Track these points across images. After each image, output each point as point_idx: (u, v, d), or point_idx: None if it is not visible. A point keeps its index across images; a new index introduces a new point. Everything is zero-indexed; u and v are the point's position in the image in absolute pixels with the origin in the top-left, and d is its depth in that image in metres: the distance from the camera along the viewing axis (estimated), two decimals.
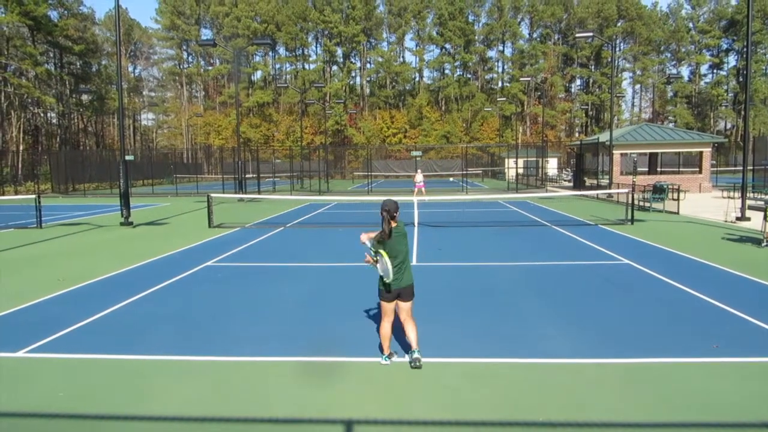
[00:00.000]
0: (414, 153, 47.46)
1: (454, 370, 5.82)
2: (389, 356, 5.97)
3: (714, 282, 9.72)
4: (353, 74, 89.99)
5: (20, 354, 6.44)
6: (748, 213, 18.76)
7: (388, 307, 5.87)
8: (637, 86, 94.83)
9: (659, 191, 23.40)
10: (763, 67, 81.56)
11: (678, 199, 21.81)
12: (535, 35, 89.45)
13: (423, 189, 31.77)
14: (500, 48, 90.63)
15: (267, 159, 63.42)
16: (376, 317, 7.70)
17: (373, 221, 19.77)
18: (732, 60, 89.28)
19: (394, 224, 5.73)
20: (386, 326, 5.91)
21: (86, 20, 71.09)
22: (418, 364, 5.75)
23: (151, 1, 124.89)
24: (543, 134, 58.78)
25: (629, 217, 18.58)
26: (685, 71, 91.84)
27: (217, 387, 5.49)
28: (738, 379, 5.53)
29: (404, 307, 5.87)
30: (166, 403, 5.13)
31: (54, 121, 69.94)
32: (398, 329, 6.35)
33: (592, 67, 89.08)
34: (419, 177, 32.61)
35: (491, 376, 5.65)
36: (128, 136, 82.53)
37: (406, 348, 6.16)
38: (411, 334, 5.87)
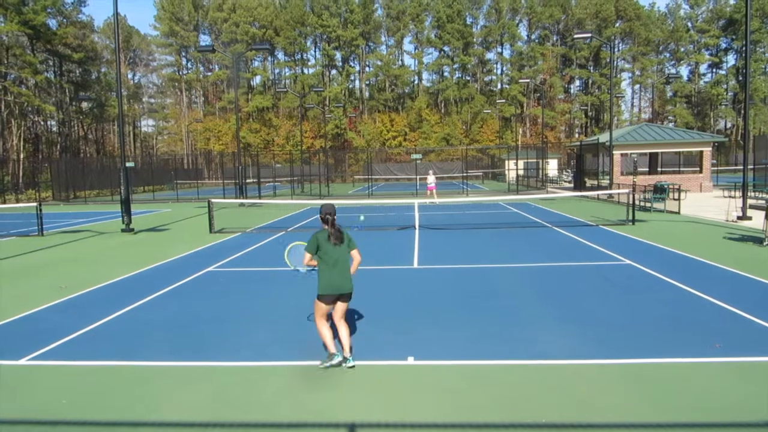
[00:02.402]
0: (414, 156, 47.45)
1: (455, 372, 5.82)
2: (333, 357, 5.93)
3: (716, 281, 9.71)
4: (352, 78, 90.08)
5: (23, 362, 6.45)
6: (749, 212, 18.74)
7: (326, 309, 5.97)
8: (637, 86, 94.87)
9: (660, 191, 23.39)
10: (763, 66, 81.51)
11: (679, 199, 21.80)
12: (533, 37, 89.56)
13: (434, 191, 31.82)
14: (499, 50, 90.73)
15: (267, 163, 63.44)
16: (376, 320, 7.71)
17: (373, 224, 19.80)
18: (731, 59, 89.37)
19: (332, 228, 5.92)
20: (325, 324, 6.00)
21: (85, 28, 71.21)
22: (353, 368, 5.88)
23: (150, 8, 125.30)
24: (543, 135, 58.78)
25: (630, 217, 18.57)
26: (684, 71, 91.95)
27: (218, 392, 5.48)
28: (740, 378, 5.52)
29: (341, 308, 5.99)
30: (169, 409, 5.13)
31: (54, 129, 70.06)
32: (406, 334, 6.33)
33: (591, 67, 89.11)
34: (431, 179, 32.68)
35: (493, 378, 5.64)
36: (128, 143, 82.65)
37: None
38: (345, 338, 5.96)
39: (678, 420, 4.66)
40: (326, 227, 5.92)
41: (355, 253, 6.02)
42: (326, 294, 5.86)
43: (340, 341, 6.01)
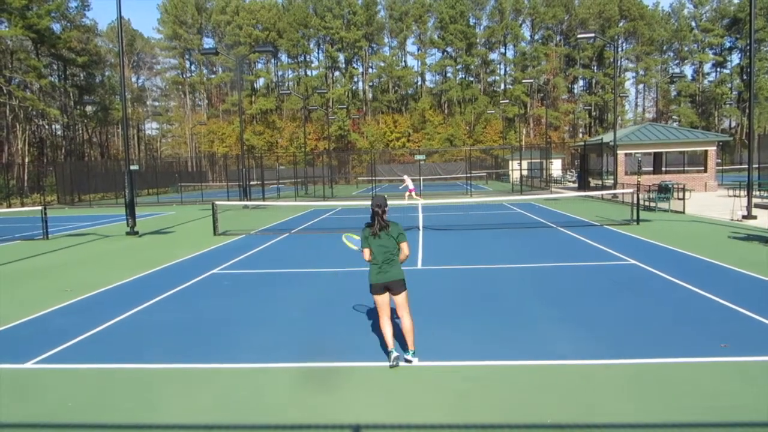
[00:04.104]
0: (417, 157, 47.40)
1: (460, 373, 5.81)
2: (390, 353, 5.96)
3: (721, 281, 9.67)
4: (355, 79, 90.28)
5: (28, 365, 6.47)
6: (755, 211, 18.67)
7: (380, 301, 6.03)
8: (641, 86, 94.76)
9: (664, 191, 23.32)
10: (767, 65, 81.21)
11: (683, 199, 21.72)
12: (536, 37, 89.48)
13: (413, 193, 31.85)
14: (502, 50, 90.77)
15: (271, 166, 63.53)
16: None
17: None
18: (735, 58, 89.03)
19: (385, 216, 6.10)
20: (383, 323, 6.04)
21: (89, 32, 71.43)
22: (410, 363, 5.97)
23: (153, 11, 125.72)
24: (546, 135, 58.67)
25: (635, 217, 18.51)
26: (688, 70, 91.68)
27: (223, 394, 5.49)
28: (747, 378, 5.49)
29: (397, 300, 6.03)
30: (174, 412, 5.14)
31: (59, 132, 70.31)
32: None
33: (595, 67, 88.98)
34: (409, 182, 32.72)
35: (497, 379, 5.63)
36: (132, 146, 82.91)
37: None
38: (405, 333, 6.02)
39: (683, 420, 4.64)
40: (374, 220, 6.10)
41: (403, 246, 6.13)
42: (373, 284, 6.01)
43: (403, 335, 6.08)
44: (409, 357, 5.97)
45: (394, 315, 6.30)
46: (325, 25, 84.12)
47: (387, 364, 6.00)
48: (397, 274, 6.01)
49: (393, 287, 5.99)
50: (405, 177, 34.51)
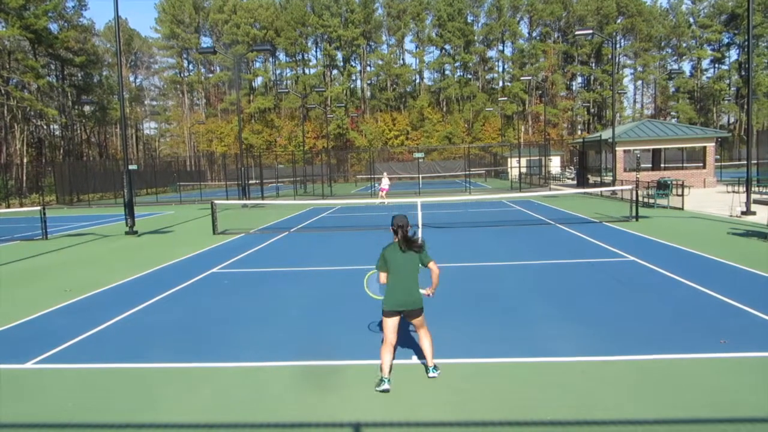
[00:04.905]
0: (416, 155, 47.47)
1: (459, 370, 5.81)
2: (383, 382, 5.36)
3: (720, 277, 9.68)
4: (354, 78, 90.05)
5: (28, 365, 6.47)
6: (754, 207, 18.69)
7: (390, 325, 5.46)
8: (639, 82, 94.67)
9: (663, 187, 23.34)
10: (765, 61, 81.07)
11: (682, 195, 21.75)
12: (534, 34, 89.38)
13: (383, 193, 31.68)
14: (500, 48, 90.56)
15: (270, 164, 63.48)
16: (379, 319, 7.69)
17: (377, 223, 19.78)
18: (734, 54, 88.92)
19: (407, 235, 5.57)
20: (385, 349, 5.44)
21: (86, 32, 71.25)
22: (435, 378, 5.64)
23: (151, 10, 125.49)
24: (545, 133, 58.68)
25: (634, 213, 18.53)
26: (686, 66, 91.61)
27: (223, 393, 5.49)
28: (746, 374, 5.50)
29: (415, 322, 5.64)
30: (175, 411, 5.14)
31: (57, 132, 70.15)
32: (409, 333, 6.34)
33: (593, 64, 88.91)
34: (385, 182, 32.48)
35: (497, 376, 5.64)
36: (131, 146, 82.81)
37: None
38: (426, 351, 5.67)
39: (683, 416, 4.65)
40: (396, 239, 5.55)
41: (431, 265, 5.55)
42: (387, 309, 5.45)
43: (423, 353, 5.74)
44: (432, 374, 5.61)
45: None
46: (322, 23, 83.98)
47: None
48: (416, 302, 5.45)
49: (410, 315, 5.52)
50: (384, 174, 34.25)
